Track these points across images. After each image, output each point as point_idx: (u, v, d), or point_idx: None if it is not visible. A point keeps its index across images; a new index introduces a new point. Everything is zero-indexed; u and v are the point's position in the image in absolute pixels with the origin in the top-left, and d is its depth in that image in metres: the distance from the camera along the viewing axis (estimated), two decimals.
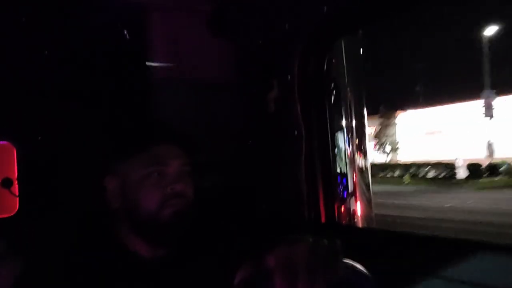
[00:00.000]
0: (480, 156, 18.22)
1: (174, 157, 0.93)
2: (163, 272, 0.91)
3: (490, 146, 18.84)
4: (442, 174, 17.47)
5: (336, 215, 1.36)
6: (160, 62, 1.25)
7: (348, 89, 1.38)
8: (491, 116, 18.96)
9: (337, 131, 1.38)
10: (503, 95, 18.72)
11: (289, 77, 1.32)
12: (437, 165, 18.01)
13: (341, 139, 1.38)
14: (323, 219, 1.35)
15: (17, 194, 1.25)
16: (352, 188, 1.39)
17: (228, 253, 0.94)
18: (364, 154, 1.42)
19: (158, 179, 0.90)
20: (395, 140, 24.38)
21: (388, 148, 24.32)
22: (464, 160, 16.76)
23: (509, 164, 16.52)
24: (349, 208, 1.38)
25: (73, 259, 0.89)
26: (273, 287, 0.63)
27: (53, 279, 0.87)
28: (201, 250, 0.95)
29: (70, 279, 0.86)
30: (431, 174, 18.00)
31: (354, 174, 1.40)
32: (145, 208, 0.89)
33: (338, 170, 1.39)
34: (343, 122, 1.38)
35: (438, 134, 22.61)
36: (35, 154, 1.23)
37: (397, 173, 19.52)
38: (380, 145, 24.25)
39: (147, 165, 0.90)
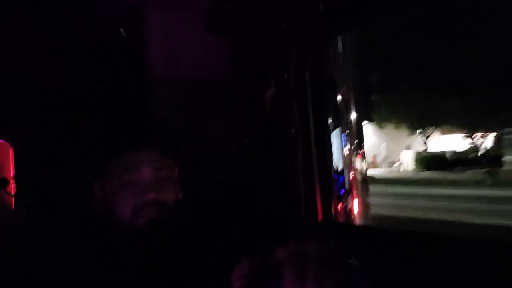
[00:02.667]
0: None
1: (146, 164, 0.90)
2: (159, 271, 0.91)
3: None
4: None
5: (333, 213, 1.36)
6: (157, 61, 1.24)
7: (345, 87, 1.38)
8: None
9: (334, 129, 1.38)
10: None
11: (286, 75, 1.32)
12: None
13: (338, 137, 1.38)
14: (320, 217, 1.35)
15: (12, 193, 1.24)
16: (349, 186, 1.39)
17: (226, 250, 0.93)
18: (361, 153, 1.42)
19: (130, 188, 0.88)
20: None
21: None
22: None
23: None
24: (346, 207, 1.38)
25: (67, 258, 0.88)
26: (279, 282, 0.63)
27: (46, 277, 0.86)
28: (198, 248, 0.95)
29: (63, 278, 0.85)
30: None
31: (351, 173, 1.40)
32: (119, 217, 0.88)
33: (335, 169, 1.39)
34: (340, 121, 1.38)
35: None
36: (31, 154, 1.23)
37: None
38: None
39: (121, 173, 0.89)
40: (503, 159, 17.39)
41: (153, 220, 0.87)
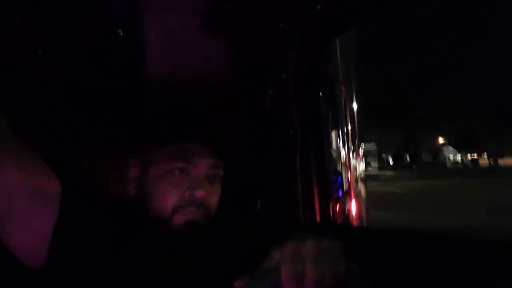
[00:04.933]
0: None
1: (203, 156, 0.83)
2: (163, 267, 0.89)
3: None
4: None
5: (331, 214, 1.36)
6: (156, 61, 1.24)
7: (343, 87, 1.38)
8: None
9: (332, 129, 1.38)
10: None
11: (284, 75, 1.31)
12: None
13: (336, 137, 1.38)
14: (318, 218, 1.35)
15: None
16: (347, 187, 1.39)
17: (225, 250, 0.93)
18: (359, 153, 1.42)
19: (179, 179, 0.81)
20: None
21: None
22: None
23: None
24: (344, 207, 1.38)
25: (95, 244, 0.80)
26: (277, 283, 0.63)
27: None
28: (198, 249, 0.94)
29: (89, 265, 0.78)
30: None
31: (349, 173, 1.40)
32: (157, 209, 0.81)
33: (333, 169, 1.39)
34: (338, 121, 1.38)
35: None
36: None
37: None
38: None
39: (171, 159, 0.82)
40: None
41: (192, 222, 0.80)
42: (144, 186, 0.84)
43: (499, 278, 0.83)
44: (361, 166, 1.44)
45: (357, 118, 1.42)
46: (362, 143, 1.44)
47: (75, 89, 1.16)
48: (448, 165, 39.55)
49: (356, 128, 1.42)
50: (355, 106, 1.41)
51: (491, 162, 34.49)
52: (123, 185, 0.88)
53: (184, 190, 0.82)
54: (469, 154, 41.12)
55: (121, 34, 1.25)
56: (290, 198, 1.37)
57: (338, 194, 1.39)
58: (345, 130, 1.39)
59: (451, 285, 0.90)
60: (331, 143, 1.38)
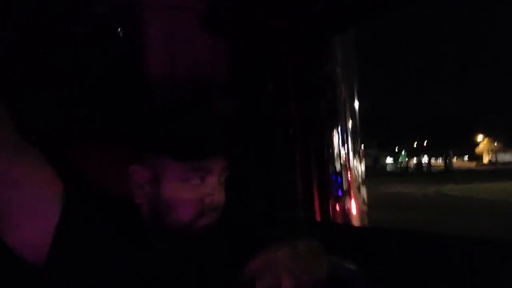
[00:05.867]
0: None
1: (217, 162, 0.84)
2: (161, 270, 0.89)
3: None
4: None
5: (331, 213, 1.36)
6: (154, 61, 1.24)
7: (343, 87, 1.38)
8: None
9: (332, 129, 1.37)
10: None
11: (284, 75, 1.32)
12: None
13: (336, 137, 1.38)
14: (318, 218, 1.35)
15: None
16: (347, 186, 1.39)
17: (222, 252, 0.93)
18: (359, 153, 1.42)
19: (197, 187, 0.82)
20: None
21: None
22: None
23: None
24: (344, 207, 1.38)
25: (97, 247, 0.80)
26: None
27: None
28: (196, 249, 0.93)
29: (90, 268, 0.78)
30: None
31: (349, 173, 1.40)
32: (177, 216, 0.81)
33: (333, 169, 1.38)
34: (338, 120, 1.38)
35: None
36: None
37: None
38: None
39: (192, 170, 0.81)
40: None
41: (209, 225, 0.83)
42: (156, 191, 0.83)
43: (499, 277, 0.83)
44: (361, 166, 1.44)
45: (359, 117, 1.42)
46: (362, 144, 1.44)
47: (75, 89, 1.16)
48: (388, 168, 44.55)
49: (358, 128, 1.42)
50: (356, 105, 1.41)
51: (428, 166, 41.85)
52: (129, 189, 0.88)
53: (202, 196, 0.82)
54: (415, 158, 46.55)
55: (121, 34, 1.25)
56: (290, 197, 1.37)
57: (338, 193, 1.39)
58: (345, 130, 1.39)
59: (451, 284, 0.90)
60: (331, 143, 1.38)
